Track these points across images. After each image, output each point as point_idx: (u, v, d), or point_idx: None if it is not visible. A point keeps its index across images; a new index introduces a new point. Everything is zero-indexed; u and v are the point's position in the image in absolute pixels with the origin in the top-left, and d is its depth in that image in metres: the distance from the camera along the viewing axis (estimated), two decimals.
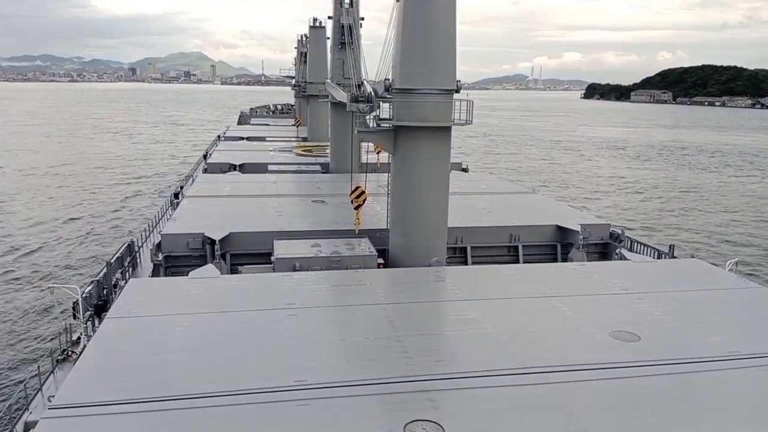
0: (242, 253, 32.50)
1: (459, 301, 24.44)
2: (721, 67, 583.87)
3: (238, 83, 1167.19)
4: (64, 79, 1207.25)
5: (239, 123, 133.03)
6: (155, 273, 31.60)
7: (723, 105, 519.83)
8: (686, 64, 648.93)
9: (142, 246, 36.31)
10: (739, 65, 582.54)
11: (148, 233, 39.34)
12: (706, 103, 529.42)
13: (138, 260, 34.37)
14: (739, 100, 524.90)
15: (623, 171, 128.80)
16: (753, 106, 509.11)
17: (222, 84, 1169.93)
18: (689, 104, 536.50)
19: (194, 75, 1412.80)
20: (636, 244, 36.68)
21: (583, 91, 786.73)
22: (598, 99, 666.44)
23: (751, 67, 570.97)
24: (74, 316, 24.93)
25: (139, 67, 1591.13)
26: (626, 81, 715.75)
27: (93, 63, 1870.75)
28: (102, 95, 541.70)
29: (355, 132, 32.75)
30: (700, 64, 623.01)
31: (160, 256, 31.90)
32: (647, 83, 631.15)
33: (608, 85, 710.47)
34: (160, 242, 32.53)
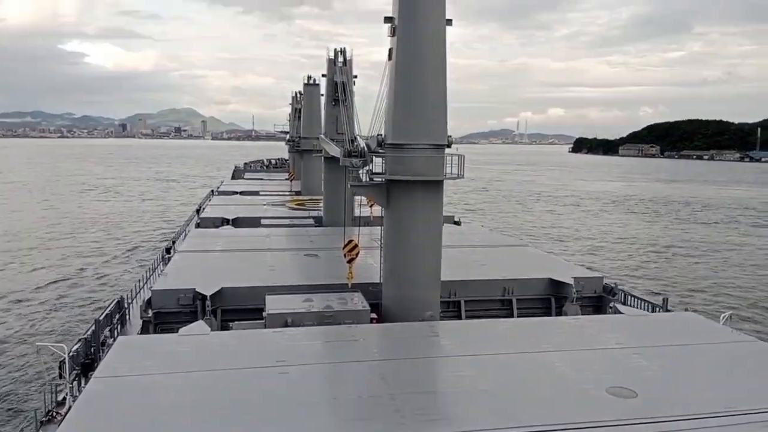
0: (234, 309, 32.07)
1: (453, 356, 24.10)
2: (707, 121, 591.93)
3: (229, 138, 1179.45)
4: (54, 135, 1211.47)
5: (233, 177, 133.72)
6: (144, 330, 31.09)
7: (711, 158, 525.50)
8: (669, 119, 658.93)
9: (131, 302, 35.79)
10: (722, 119, 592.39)
11: (138, 289, 38.82)
12: (695, 157, 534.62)
13: (127, 317, 33.81)
14: (727, 153, 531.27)
15: (632, 228, 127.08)
16: (741, 159, 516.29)
17: (212, 139, 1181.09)
18: (677, 158, 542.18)
19: (185, 130, 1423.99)
20: (629, 297, 36.52)
21: (571, 145, 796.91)
22: (586, 153, 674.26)
23: (735, 121, 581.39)
24: (60, 376, 24.39)
25: (130, 123, 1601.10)
26: (610, 135, 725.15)
27: (83, 119, 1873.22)
28: (88, 150, 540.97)
29: (348, 186, 32.87)
30: (681, 118, 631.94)
31: (150, 313, 31.46)
32: (634, 137, 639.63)
33: (595, 139, 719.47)
34: (150, 298, 32.11)
